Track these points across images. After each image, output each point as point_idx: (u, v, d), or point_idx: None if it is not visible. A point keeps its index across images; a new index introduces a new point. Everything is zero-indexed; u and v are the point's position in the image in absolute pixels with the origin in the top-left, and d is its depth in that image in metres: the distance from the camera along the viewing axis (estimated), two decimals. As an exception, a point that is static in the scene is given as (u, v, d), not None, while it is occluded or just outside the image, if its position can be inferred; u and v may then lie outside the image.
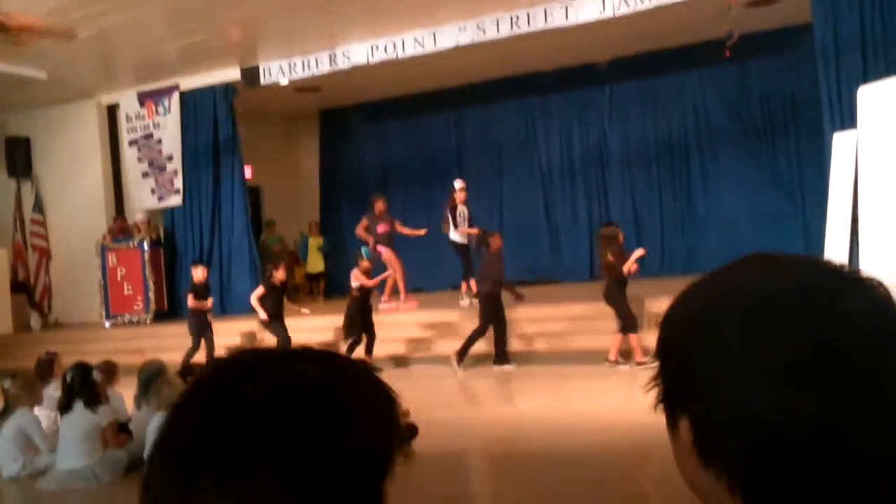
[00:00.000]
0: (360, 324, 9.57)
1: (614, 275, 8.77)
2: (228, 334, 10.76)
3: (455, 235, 11.27)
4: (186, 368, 9.43)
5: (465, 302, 10.97)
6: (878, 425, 0.63)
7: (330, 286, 14.55)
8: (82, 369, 5.89)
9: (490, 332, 9.25)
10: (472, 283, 10.76)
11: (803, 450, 0.63)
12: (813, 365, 0.63)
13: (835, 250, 7.72)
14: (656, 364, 0.74)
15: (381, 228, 11.52)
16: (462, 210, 11.34)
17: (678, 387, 0.70)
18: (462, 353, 9.14)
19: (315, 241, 14.82)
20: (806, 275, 0.69)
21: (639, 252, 8.96)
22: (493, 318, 9.19)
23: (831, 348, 0.64)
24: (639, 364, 8.42)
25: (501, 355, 9.23)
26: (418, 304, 11.46)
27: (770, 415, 0.63)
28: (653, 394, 0.75)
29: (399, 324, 10.68)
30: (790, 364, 0.64)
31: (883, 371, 0.64)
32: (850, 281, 0.68)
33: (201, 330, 9.93)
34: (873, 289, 0.68)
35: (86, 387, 5.74)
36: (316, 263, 14.68)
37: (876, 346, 0.64)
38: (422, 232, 11.86)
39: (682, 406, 0.69)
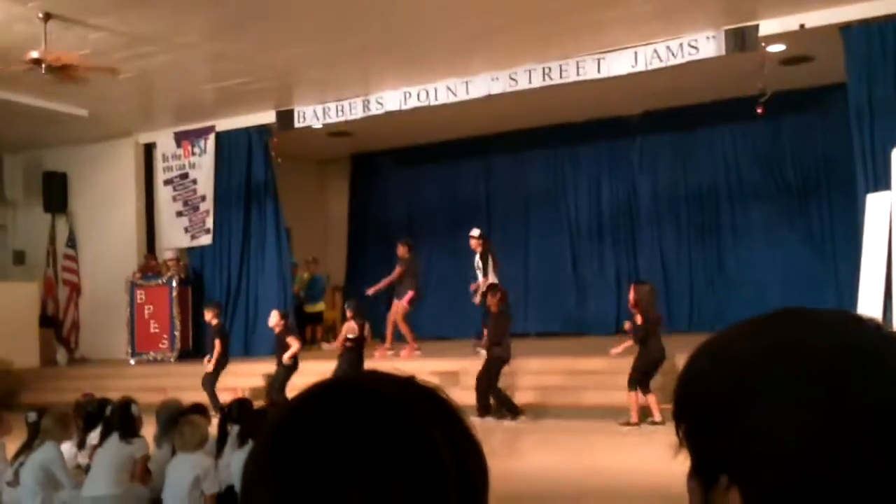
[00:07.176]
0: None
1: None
2: (252, 375, 10.76)
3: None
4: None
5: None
6: None
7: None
8: (123, 404, 5.93)
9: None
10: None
11: None
12: (886, 426, 0.64)
13: (868, 312, 7.57)
14: (682, 427, 0.73)
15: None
16: (474, 260, 11.14)
17: (723, 454, 0.68)
18: (498, 406, 9.10)
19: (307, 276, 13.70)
20: (849, 334, 0.69)
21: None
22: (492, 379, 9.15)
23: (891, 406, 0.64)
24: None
25: (507, 409, 9.16)
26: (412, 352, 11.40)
27: (844, 479, 0.63)
28: (676, 455, 0.73)
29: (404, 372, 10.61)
30: (857, 427, 0.64)
31: None
32: (887, 338, 0.69)
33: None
34: None
35: (125, 421, 5.76)
36: (313, 303, 13.87)
37: None
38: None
39: (729, 473, 0.67)
